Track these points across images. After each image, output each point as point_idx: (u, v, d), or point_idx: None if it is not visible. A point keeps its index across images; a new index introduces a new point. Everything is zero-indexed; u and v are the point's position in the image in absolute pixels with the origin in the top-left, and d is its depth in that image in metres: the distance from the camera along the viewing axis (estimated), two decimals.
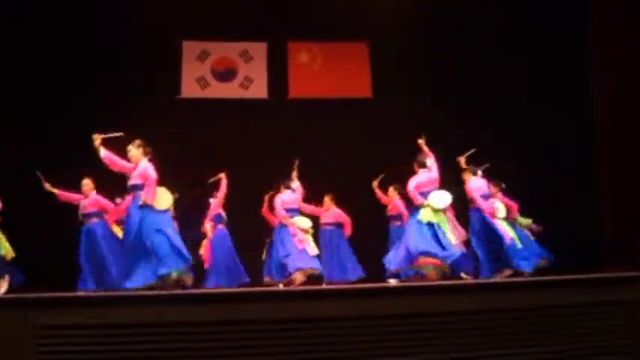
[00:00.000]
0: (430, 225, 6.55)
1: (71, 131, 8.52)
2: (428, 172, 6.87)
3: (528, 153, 9.80)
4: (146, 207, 5.86)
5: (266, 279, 8.31)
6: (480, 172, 7.62)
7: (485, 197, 7.33)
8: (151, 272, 5.70)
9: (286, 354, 4.20)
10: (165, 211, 6.11)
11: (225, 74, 10.13)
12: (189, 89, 9.93)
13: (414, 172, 7.02)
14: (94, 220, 7.13)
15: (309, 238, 7.87)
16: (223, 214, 8.52)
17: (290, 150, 9.41)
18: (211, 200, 8.53)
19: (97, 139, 5.97)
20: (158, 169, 6.13)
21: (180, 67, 9.96)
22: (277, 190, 8.18)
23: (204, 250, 8.40)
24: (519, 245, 7.04)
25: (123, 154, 6.18)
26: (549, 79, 9.80)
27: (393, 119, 9.80)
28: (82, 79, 9.26)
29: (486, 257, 7.08)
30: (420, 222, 6.58)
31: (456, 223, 6.82)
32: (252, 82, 10.12)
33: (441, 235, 6.47)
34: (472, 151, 7.39)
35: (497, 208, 7.29)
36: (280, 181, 8.15)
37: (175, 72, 9.93)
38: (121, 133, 6.14)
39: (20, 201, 7.45)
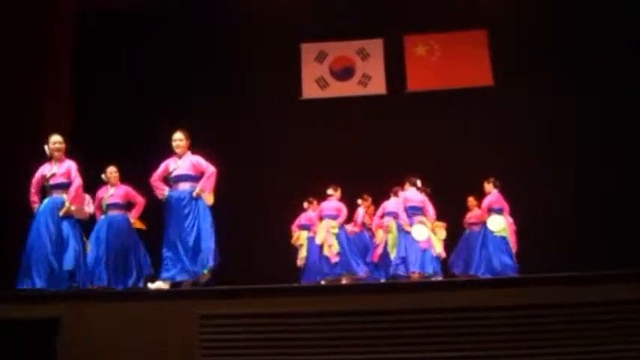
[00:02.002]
0: None
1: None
2: (497, 192, 8.16)
3: None
4: (200, 198, 5.63)
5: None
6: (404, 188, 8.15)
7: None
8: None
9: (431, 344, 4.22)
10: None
11: (344, 73, 10.30)
12: (310, 90, 10.21)
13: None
14: (119, 212, 6.70)
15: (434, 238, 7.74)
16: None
17: (412, 143, 9.49)
18: (360, 201, 8.74)
19: None
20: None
21: (300, 69, 10.26)
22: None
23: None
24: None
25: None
26: None
27: (516, 106, 9.55)
28: (201, 81, 9.77)
29: None
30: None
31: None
32: (370, 78, 10.22)
33: None
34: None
35: (389, 226, 8.06)
36: (406, 177, 8.15)
37: (295, 74, 10.25)
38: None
39: None
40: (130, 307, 4.51)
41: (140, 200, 6.83)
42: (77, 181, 5.58)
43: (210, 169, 5.76)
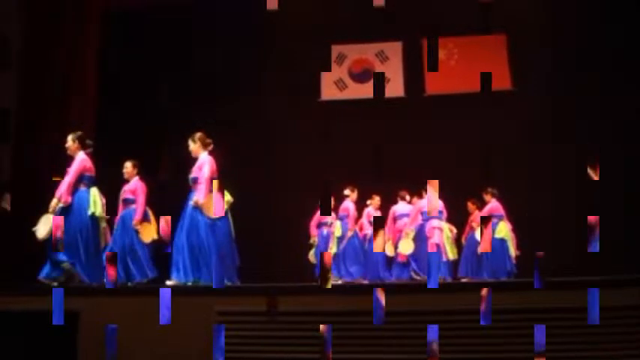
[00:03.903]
0: None
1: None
2: (496, 201, 8.56)
3: None
4: (197, 208, 5.60)
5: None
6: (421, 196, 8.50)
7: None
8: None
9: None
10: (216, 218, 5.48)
11: (362, 75, 10.33)
12: (329, 92, 10.28)
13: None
14: (131, 207, 6.60)
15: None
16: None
17: (430, 147, 9.49)
18: (368, 202, 8.87)
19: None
20: (219, 162, 5.88)
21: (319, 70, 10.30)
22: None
23: None
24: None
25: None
26: None
27: (535, 110, 9.51)
28: (221, 82, 9.85)
29: None
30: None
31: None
32: (388, 81, 10.18)
33: None
34: None
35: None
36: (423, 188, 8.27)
37: (315, 75, 10.29)
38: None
39: None
40: (149, 303, 4.58)
41: (139, 200, 6.54)
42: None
43: (203, 176, 5.66)
